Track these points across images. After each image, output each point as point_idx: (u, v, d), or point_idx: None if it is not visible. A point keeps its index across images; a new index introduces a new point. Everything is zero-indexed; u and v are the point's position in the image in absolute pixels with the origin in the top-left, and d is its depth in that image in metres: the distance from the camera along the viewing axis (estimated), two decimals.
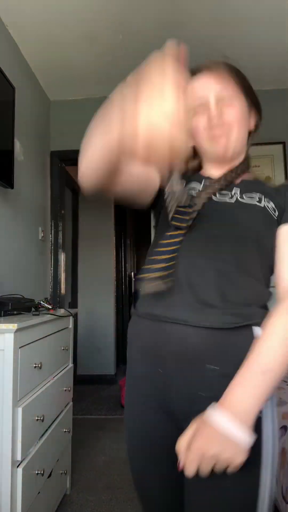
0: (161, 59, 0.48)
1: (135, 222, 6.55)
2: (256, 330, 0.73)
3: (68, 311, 1.81)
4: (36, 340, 1.39)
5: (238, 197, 0.81)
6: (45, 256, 2.96)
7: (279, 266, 0.78)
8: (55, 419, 1.60)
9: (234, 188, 0.83)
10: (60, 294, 3.08)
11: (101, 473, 2.08)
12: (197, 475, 0.63)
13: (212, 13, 2.22)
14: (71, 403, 1.86)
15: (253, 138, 0.91)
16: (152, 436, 0.79)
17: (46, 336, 1.50)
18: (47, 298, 2.05)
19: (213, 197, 0.81)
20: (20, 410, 1.20)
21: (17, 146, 2.40)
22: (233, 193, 0.82)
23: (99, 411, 3.08)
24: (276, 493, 1.43)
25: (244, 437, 0.61)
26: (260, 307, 0.76)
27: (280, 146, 3.04)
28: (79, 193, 4.31)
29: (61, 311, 1.82)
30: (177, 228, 0.76)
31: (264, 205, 0.79)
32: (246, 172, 0.88)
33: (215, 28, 2.35)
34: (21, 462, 1.21)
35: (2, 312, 1.46)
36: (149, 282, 0.72)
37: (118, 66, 2.74)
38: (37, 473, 1.30)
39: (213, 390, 0.69)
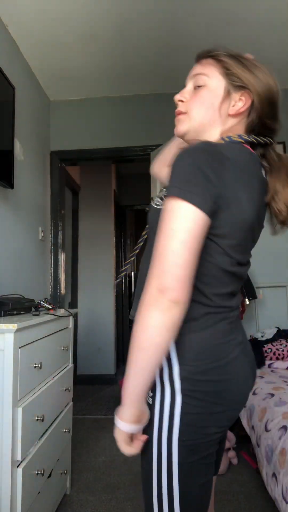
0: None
1: (135, 222, 6.55)
2: None
3: (68, 311, 1.81)
4: (36, 340, 1.39)
5: (156, 201, 0.84)
6: (45, 256, 2.96)
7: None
8: (55, 419, 1.60)
9: None
10: (60, 294, 3.08)
11: (101, 473, 2.08)
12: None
13: (212, 14, 2.22)
14: (71, 403, 1.86)
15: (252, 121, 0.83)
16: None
17: (46, 336, 1.50)
18: (47, 298, 2.05)
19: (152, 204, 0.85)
20: (20, 410, 1.20)
21: (17, 146, 2.40)
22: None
23: (99, 411, 3.08)
24: (276, 493, 1.43)
25: (122, 426, 0.72)
26: None
27: (280, 146, 3.04)
28: (79, 193, 4.32)
29: (61, 311, 1.82)
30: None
31: (156, 204, 0.81)
32: None
33: (215, 28, 2.35)
34: (21, 462, 1.21)
35: (2, 312, 1.46)
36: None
37: (118, 66, 2.75)
38: (37, 473, 1.30)
39: None
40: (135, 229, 6.62)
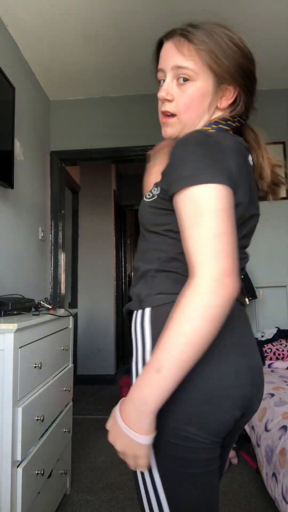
0: None
1: (135, 222, 6.55)
2: (136, 314, 0.78)
3: (68, 311, 1.81)
4: (36, 340, 1.39)
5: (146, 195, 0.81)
6: (45, 256, 2.96)
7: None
8: (55, 419, 1.60)
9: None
10: (60, 294, 3.08)
11: (101, 473, 2.08)
12: None
13: (212, 13, 2.22)
14: (71, 403, 1.86)
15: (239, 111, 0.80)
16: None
17: (46, 336, 1.50)
18: (47, 298, 2.05)
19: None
20: (20, 410, 1.20)
21: (17, 146, 2.40)
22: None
23: (99, 411, 3.08)
24: (276, 493, 1.43)
25: (140, 438, 0.60)
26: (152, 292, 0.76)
27: (280, 146, 3.04)
28: (79, 193, 4.32)
29: (61, 311, 1.82)
30: None
31: (146, 197, 0.78)
32: None
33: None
34: (21, 462, 1.21)
35: (2, 312, 1.46)
36: None
37: (118, 66, 2.75)
38: (37, 473, 1.30)
39: None
40: (135, 229, 6.62)
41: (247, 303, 2.72)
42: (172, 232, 0.72)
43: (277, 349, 2.56)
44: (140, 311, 0.76)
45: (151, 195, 0.77)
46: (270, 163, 0.81)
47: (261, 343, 2.61)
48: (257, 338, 2.70)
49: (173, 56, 0.76)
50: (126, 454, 0.63)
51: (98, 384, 3.88)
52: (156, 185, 0.76)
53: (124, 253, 5.27)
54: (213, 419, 0.67)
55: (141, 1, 2.13)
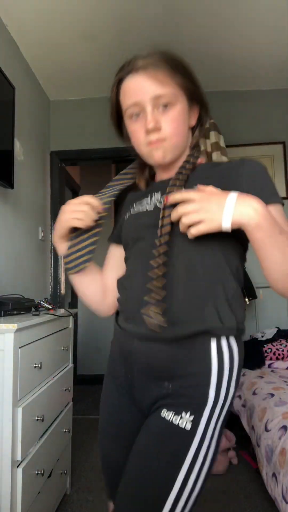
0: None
1: None
2: (212, 343, 0.76)
3: (68, 311, 1.81)
4: (36, 340, 1.39)
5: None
6: (45, 256, 2.96)
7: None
8: (55, 419, 1.60)
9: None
10: (60, 294, 3.08)
11: (101, 473, 2.07)
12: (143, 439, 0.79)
13: (211, 13, 2.22)
14: (71, 403, 1.86)
15: (201, 131, 0.90)
16: (121, 417, 0.89)
17: (46, 336, 1.50)
18: (47, 298, 2.05)
19: (158, 205, 0.84)
20: (20, 410, 1.20)
21: (17, 146, 2.40)
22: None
23: (99, 411, 3.08)
24: (276, 493, 1.43)
25: (227, 219, 0.66)
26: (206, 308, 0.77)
27: (280, 146, 3.04)
28: (79, 193, 4.31)
29: (61, 311, 1.82)
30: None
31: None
32: (197, 164, 0.88)
33: (214, 28, 2.35)
34: (21, 462, 1.21)
35: (2, 312, 1.46)
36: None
37: (118, 66, 2.74)
38: (37, 473, 1.30)
39: (167, 400, 0.79)
40: None
41: (247, 303, 2.72)
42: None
43: (277, 349, 2.56)
44: (231, 338, 0.78)
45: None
46: None
47: (261, 343, 2.61)
48: (257, 338, 2.70)
49: (149, 87, 0.79)
50: (200, 211, 0.68)
51: (98, 384, 3.84)
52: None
53: None
54: None
55: (141, 1, 2.12)
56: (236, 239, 0.79)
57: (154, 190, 0.89)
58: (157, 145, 0.81)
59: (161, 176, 0.92)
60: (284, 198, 3.01)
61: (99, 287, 0.96)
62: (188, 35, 2.39)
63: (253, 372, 2.38)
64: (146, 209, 0.86)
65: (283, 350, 2.55)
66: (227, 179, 0.78)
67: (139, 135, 0.83)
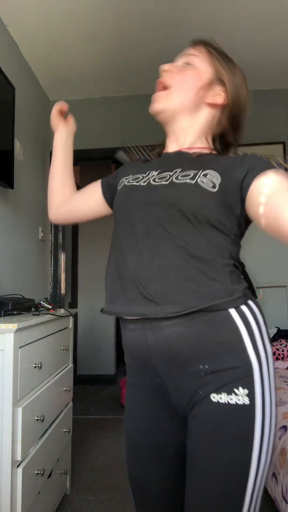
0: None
1: None
2: (231, 310, 0.73)
3: (68, 311, 1.81)
4: (36, 340, 1.39)
5: (174, 178, 0.79)
6: (45, 256, 2.96)
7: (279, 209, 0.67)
8: (55, 419, 1.60)
9: (176, 168, 0.82)
10: (60, 294, 3.08)
11: (101, 473, 2.08)
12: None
13: (212, 13, 2.22)
14: (71, 403, 1.86)
15: (224, 120, 0.87)
16: (158, 435, 0.82)
17: (46, 336, 1.50)
18: (47, 298, 2.05)
19: (152, 182, 0.82)
20: (20, 410, 1.20)
21: (17, 146, 2.40)
22: (172, 174, 0.80)
23: (99, 411, 3.08)
24: (276, 493, 1.43)
25: None
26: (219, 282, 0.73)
27: (280, 146, 3.04)
28: None
29: (61, 311, 1.82)
30: None
31: (197, 181, 0.76)
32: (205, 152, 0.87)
33: (215, 28, 2.35)
34: (21, 462, 1.21)
35: (2, 312, 1.46)
36: None
37: (118, 66, 2.75)
38: (37, 473, 1.30)
39: (209, 386, 0.72)
40: None
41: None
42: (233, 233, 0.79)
43: (277, 349, 2.56)
44: (247, 305, 0.76)
45: (211, 184, 0.75)
46: None
47: None
48: None
49: (187, 49, 0.90)
50: None
51: (98, 384, 3.88)
52: (207, 173, 0.77)
53: None
54: None
55: (141, 2, 2.12)
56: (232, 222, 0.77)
57: (154, 167, 0.87)
58: (159, 92, 0.86)
59: (167, 148, 0.92)
60: None
61: (66, 178, 1.08)
62: (188, 35, 2.39)
63: None
64: (140, 184, 0.84)
65: (283, 350, 2.55)
66: (229, 165, 0.78)
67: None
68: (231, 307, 0.73)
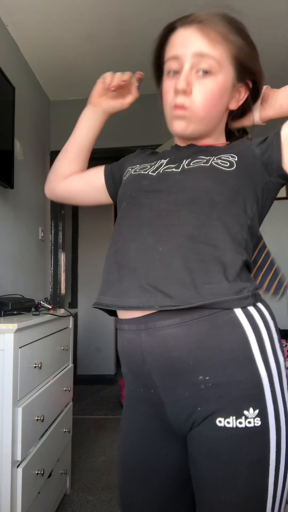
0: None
1: None
2: (237, 310, 0.64)
3: (68, 311, 1.81)
4: (36, 340, 1.39)
5: (185, 165, 0.74)
6: (45, 256, 2.96)
7: None
8: (55, 419, 1.60)
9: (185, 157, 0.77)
10: (60, 294, 3.08)
11: (101, 473, 2.08)
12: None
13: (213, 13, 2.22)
14: (71, 403, 1.86)
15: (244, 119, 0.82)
16: (151, 459, 0.74)
17: (46, 336, 1.50)
18: (47, 298, 2.05)
19: (161, 170, 0.76)
20: (20, 410, 1.20)
21: (17, 146, 2.40)
22: (182, 162, 0.75)
23: (99, 411, 3.08)
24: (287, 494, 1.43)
25: None
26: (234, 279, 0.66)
27: None
28: None
29: (61, 311, 1.82)
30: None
31: (211, 163, 0.71)
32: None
33: None
34: (21, 462, 1.21)
35: (2, 312, 1.46)
36: None
37: (118, 66, 2.74)
38: (37, 473, 1.30)
39: (210, 403, 0.64)
40: None
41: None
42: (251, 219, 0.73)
43: None
44: (256, 307, 0.67)
45: (227, 163, 0.71)
46: None
47: None
48: None
49: (197, 42, 0.70)
50: None
51: (98, 384, 3.88)
52: (220, 155, 0.73)
53: None
54: None
55: (141, 1, 2.12)
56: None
57: (163, 156, 0.81)
58: (181, 111, 0.71)
59: (177, 142, 0.84)
60: (284, 198, 3.01)
61: (78, 156, 0.97)
62: None
63: None
64: (149, 173, 0.77)
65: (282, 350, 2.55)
66: (242, 147, 0.76)
67: (168, 96, 0.74)
68: (237, 307, 0.64)
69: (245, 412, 0.61)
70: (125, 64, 2.71)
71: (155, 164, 0.79)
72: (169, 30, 0.76)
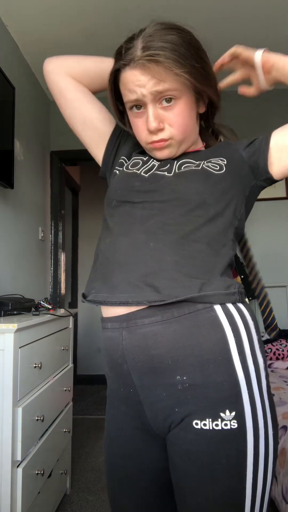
0: None
1: None
2: (217, 309, 0.65)
3: (68, 311, 1.81)
4: (36, 340, 1.39)
5: (176, 169, 0.76)
6: (45, 256, 2.96)
7: None
8: (55, 419, 1.60)
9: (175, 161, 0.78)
10: (60, 294, 3.08)
11: (101, 473, 2.08)
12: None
13: (211, 11, 2.22)
14: (71, 403, 1.86)
15: (214, 113, 0.84)
16: (132, 461, 0.74)
17: (46, 336, 1.50)
18: (47, 298, 2.05)
19: (153, 171, 0.77)
20: (20, 410, 1.20)
21: (17, 146, 2.40)
22: (173, 165, 0.77)
23: (99, 411, 3.08)
24: (276, 493, 1.43)
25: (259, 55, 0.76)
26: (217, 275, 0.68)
27: None
28: (79, 193, 4.31)
29: (61, 311, 1.82)
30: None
31: (202, 167, 0.74)
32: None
33: (215, 27, 2.35)
34: (21, 462, 1.21)
35: (2, 312, 1.46)
36: None
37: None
38: (37, 473, 1.30)
39: (187, 404, 0.64)
40: None
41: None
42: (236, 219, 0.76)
43: (277, 349, 2.56)
44: (236, 306, 0.68)
45: (218, 166, 0.74)
46: None
47: None
48: None
49: (149, 82, 0.69)
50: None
51: (98, 384, 3.88)
52: (209, 159, 0.76)
53: None
54: None
55: (141, 1, 2.12)
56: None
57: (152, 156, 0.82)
58: (161, 145, 0.74)
59: None
60: (284, 198, 3.01)
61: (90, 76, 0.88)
62: None
63: None
64: (141, 173, 0.78)
65: (283, 350, 2.55)
66: (229, 151, 0.79)
67: (141, 132, 0.76)
68: (224, 302, 0.65)
69: (222, 414, 0.61)
70: None
71: (147, 165, 0.79)
72: (116, 70, 0.74)
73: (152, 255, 0.67)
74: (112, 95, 0.80)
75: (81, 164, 3.91)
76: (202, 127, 0.86)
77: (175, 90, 0.71)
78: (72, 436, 1.88)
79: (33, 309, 1.67)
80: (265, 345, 2.59)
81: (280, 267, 2.96)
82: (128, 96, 0.73)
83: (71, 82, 0.87)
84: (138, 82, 0.70)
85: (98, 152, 0.91)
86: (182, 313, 0.64)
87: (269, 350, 2.56)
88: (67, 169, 3.44)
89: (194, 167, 0.75)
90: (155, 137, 0.74)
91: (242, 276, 2.52)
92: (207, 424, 0.62)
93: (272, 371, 2.40)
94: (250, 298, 2.74)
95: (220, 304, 0.65)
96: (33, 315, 1.51)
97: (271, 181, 0.78)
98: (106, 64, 0.83)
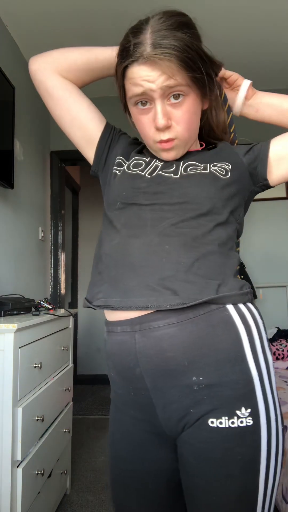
0: None
1: None
2: (230, 309, 0.66)
3: (68, 311, 1.81)
4: (36, 340, 1.39)
5: (182, 170, 0.75)
6: (45, 256, 2.96)
7: None
8: (55, 419, 1.60)
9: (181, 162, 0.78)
10: (60, 294, 3.08)
11: (101, 473, 2.08)
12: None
13: (212, 12, 2.22)
14: (71, 403, 1.86)
15: (217, 108, 0.84)
16: (141, 466, 0.74)
17: (46, 336, 1.50)
18: (47, 298, 2.05)
19: (158, 172, 0.76)
20: (20, 410, 1.20)
21: (17, 146, 2.40)
22: (178, 166, 0.77)
23: (99, 411, 3.08)
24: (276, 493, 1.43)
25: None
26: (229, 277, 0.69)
27: None
28: (79, 193, 4.31)
29: (61, 311, 1.82)
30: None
31: (210, 170, 0.75)
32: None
33: (216, 27, 2.35)
34: (21, 462, 1.21)
35: (2, 312, 1.46)
36: None
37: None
38: (37, 473, 1.30)
39: (203, 404, 0.65)
40: None
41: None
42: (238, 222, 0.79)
43: (277, 349, 2.56)
44: (247, 306, 0.69)
45: (224, 171, 0.76)
46: None
47: None
48: None
49: (159, 79, 0.68)
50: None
51: (98, 384, 3.88)
52: (215, 163, 0.77)
53: None
54: None
55: (141, 1, 2.12)
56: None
57: (154, 156, 0.81)
58: (169, 145, 0.73)
59: None
60: (284, 198, 3.01)
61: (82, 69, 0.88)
62: None
63: None
64: (146, 175, 0.77)
65: (283, 350, 2.55)
66: (231, 155, 0.81)
67: (147, 130, 0.74)
68: (240, 302, 0.67)
69: (237, 412, 0.62)
70: None
71: (151, 165, 0.78)
72: (124, 67, 0.73)
73: (168, 258, 0.67)
74: (121, 92, 0.78)
75: (81, 164, 3.91)
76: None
77: (185, 86, 0.70)
78: (72, 436, 1.88)
79: (33, 309, 1.67)
80: None
81: (280, 267, 2.96)
82: (134, 91, 0.71)
83: (58, 80, 0.85)
84: (147, 77, 0.69)
85: (88, 151, 0.92)
86: (197, 314, 0.65)
87: None
88: (67, 169, 3.44)
89: (202, 170, 0.75)
90: (163, 136, 0.72)
91: (242, 276, 2.52)
92: (223, 422, 0.62)
93: None
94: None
95: (232, 304, 0.67)
96: (33, 315, 1.51)
97: (267, 187, 0.82)
98: (95, 53, 0.84)
